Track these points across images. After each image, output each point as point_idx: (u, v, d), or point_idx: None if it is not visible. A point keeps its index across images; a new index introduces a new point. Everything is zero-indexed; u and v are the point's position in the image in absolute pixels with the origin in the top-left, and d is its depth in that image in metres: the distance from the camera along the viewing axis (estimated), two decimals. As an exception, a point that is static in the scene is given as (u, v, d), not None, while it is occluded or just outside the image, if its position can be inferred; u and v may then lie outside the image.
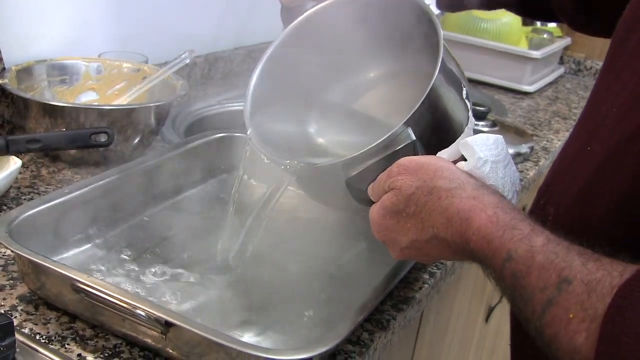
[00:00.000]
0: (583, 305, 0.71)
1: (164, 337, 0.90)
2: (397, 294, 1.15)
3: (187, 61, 1.60)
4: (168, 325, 0.89)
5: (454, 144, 0.97)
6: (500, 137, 0.97)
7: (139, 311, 0.89)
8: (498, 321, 2.37)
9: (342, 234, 1.32)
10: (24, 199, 1.28)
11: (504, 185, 0.95)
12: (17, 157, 1.29)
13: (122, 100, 1.57)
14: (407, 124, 1.00)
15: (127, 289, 1.07)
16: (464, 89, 1.08)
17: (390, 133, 0.99)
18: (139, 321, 0.91)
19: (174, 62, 1.59)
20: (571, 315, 0.72)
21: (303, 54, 1.25)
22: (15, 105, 1.51)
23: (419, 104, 1.00)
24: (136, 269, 1.15)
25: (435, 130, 1.05)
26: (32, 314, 0.99)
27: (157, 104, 1.47)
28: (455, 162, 0.95)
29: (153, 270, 1.15)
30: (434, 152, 0.99)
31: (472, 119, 1.07)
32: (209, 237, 1.28)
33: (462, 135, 1.03)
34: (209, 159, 1.46)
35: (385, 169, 0.97)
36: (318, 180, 1.12)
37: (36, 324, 0.97)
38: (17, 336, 0.89)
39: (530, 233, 0.80)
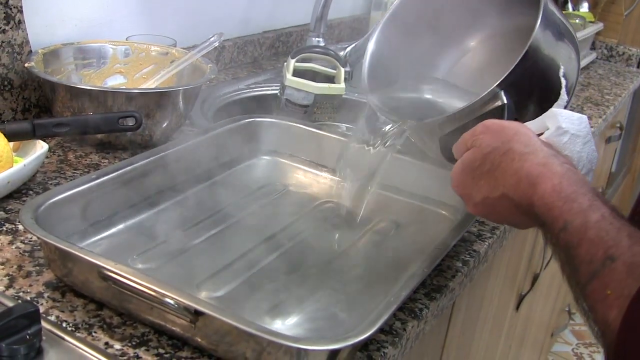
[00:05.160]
0: (621, 284, 0.76)
1: (193, 325, 0.88)
2: (430, 283, 1.13)
3: (216, 44, 1.58)
4: (197, 314, 0.87)
5: (541, 116, 1.03)
6: (585, 116, 1.02)
7: (168, 299, 0.87)
8: (528, 309, 2.34)
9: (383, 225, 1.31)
10: (51, 184, 1.26)
11: (579, 160, 1.00)
12: (44, 141, 1.27)
13: (150, 84, 1.55)
14: (500, 87, 1.07)
15: (156, 276, 1.05)
16: (562, 67, 1.13)
17: (480, 97, 1.08)
18: (167, 309, 0.89)
19: (203, 46, 1.57)
20: (609, 292, 0.77)
21: (414, 21, 1.34)
22: (42, 88, 1.50)
23: (512, 68, 1.07)
24: (165, 255, 1.14)
25: (531, 95, 1.13)
26: (59, 301, 0.97)
27: (185, 87, 1.45)
28: (540, 134, 1.01)
29: (182, 256, 1.14)
30: (528, 118, 1.05)
31: (563, 95, 1.11)
32: (237, 222, 1.26)
33: (550, 109, 1.06)
34: (238, 143, 1.44)
35: None
36: (424, 134, 1.21)
37: (62, 312, 0.95)
38: (43, 324, 0.87)
39: (588, 208, 0.84)
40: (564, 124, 0.99)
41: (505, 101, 1.07)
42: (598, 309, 0.78)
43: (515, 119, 1.07)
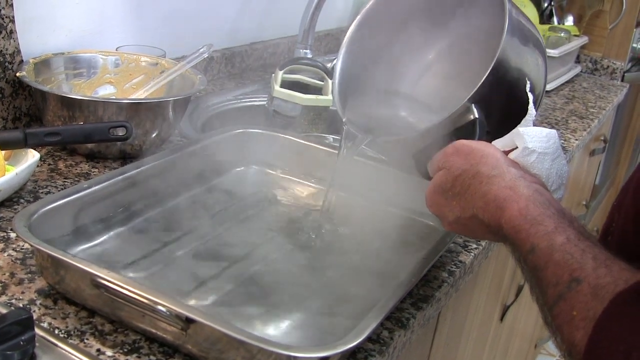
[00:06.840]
0: (586, 306, 0.78)
1: (184, 333, 0.89)
2: (417, 293, 1.14)
3: (206, 55, 1.59)
4: (189, 321, 0.88)
5: (509, 134, 1.04)
6: (554, 131, 1.04)
7: (159, 307, 0.89)
8: (512, 320, 2.36)
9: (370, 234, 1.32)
10: (42, 193, 1.27)
11: (548, 176, 1.01)
12: (35, 150, 1.28)
13: (140, 94, 1.57)
14: (471, 101, 1.07)
15: (147, 284, 1.06)
16: (529, 82, 1.13)
17: (450, 113, 1.08)
18: (159, 317, 0.90)
19: (193, 57, 1.58)
20: (575, 313, 0.79)
21: (379, 33, 1.32)
22: (33, 98, 1.51)
23: (482, 80, 1.07)
24: (155, 263, 1.15)
25: (501, 109, 1.13)
26: (51, 308, 0.98)
27: (175, 98, 1.47)
28: (509, 151, 1.02)
29: (172, 264, 1.15)
30: (502, 129, 1.06)
31: (531, 110, 1.10)
32: (226, 231, 1.28)
33: (519, 125, 1.08)
34: (228, 154, 1.45)
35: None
36: (398, 150, 1.22)
37: (55, 319, 0.96)
38: (37, 330, 0.88)
39: (553, 230, 0.86)
40: (531, 144, 1.00)
41: (477, 115, 1.08)
42: (565, 330, 0.80)
43: (488, 132, 1.09)
